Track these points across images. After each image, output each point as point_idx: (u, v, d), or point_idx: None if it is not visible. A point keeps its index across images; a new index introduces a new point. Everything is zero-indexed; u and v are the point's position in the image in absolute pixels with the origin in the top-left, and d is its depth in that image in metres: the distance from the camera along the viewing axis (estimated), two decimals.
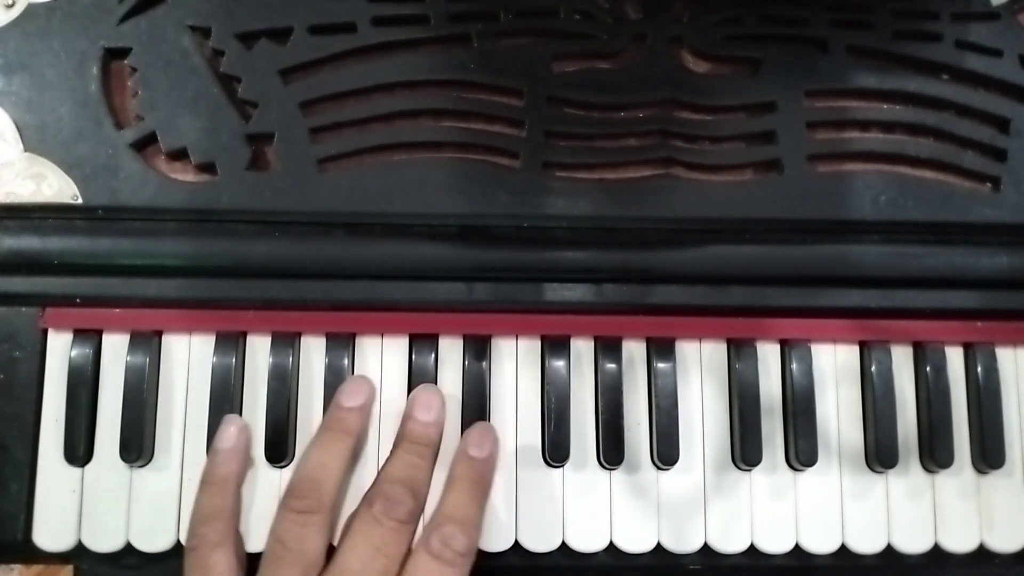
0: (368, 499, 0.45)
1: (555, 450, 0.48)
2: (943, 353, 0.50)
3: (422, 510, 0.46)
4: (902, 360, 0.51)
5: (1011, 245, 0.50)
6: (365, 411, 0.47)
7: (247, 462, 0.48)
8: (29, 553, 0.48)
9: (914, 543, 0.49)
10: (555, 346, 0.50)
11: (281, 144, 0.49)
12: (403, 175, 0.49)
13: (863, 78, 0.51)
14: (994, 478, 0.50)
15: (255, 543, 0.47)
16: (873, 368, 0.50)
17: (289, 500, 0.45)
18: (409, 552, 0.44)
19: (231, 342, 0.49)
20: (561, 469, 0.49)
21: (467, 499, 0.46)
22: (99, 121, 0.49)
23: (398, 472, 0.46)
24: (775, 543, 0.49)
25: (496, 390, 0.50)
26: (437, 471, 0.48)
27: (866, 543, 0.49)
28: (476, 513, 0.46)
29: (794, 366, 0.50)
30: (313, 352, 0.50)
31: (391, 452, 0.47)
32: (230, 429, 0.47)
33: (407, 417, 0.48)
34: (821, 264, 0.50)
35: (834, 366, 0.51)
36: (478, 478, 0.47)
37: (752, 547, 0.49)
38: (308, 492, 0.44)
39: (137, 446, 0.47)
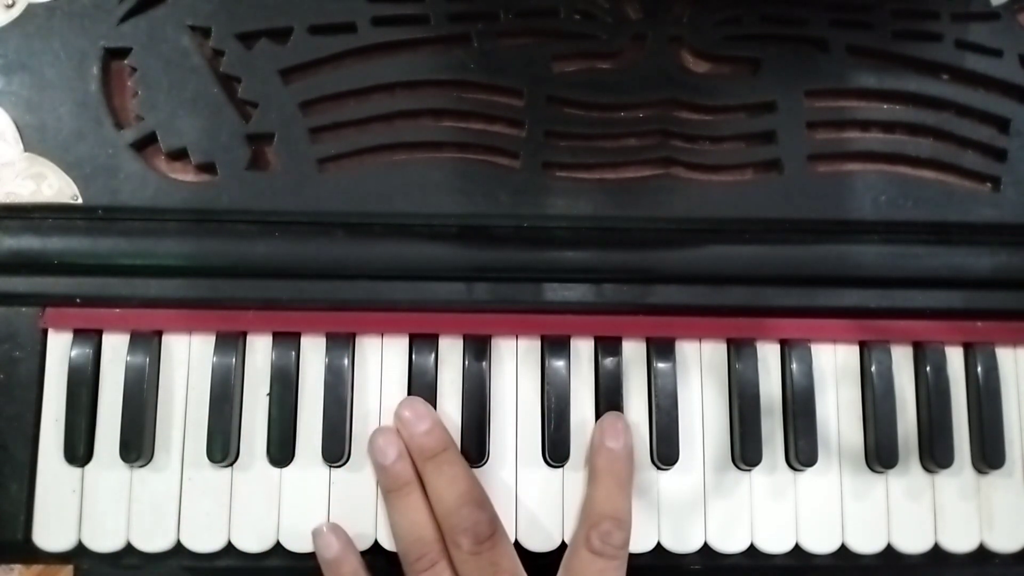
0: (452, 542, 0.45)
1: (555, 450, 0.48)
2: (943, 353, 0.50)
3: (492, 507, 0.47)
4: (902, 360, 0.51)
5: (1011, 245, 0.50)
6: (406, 456, 0.47)
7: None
8: (29, 553, 0.48)
9: (914, 543, 0.49)
10: (555, 346, 0.50)
11: (281, 144, 0.49)
12: (403, 175, 0.49)
13: (863, 78, 0.51)
14: (994, 478, 0.50)
15: (256, 544, 0.48)
16: (873, 368, 0.50)
17: (412, 565, 0.45)
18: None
19: (231, 342, 0.49)
20: (561, 469, 0.49)
21: (615, 492, 0.47)
22: (99, 121, 0.49)
23: (448, 496, 0.46)
24: (775, 543, 0.49)
25: (496, 390, 0.50)
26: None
27: (866, 543, 0.49)
28: (626, 504, 0.47)
29: (794, 366, 0.50)
30: (313, 352, 0.50)
31: (423, 479, 0.47)
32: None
33: (408, 438, 0.47)
34: (821, 264, 0.50)
35: (834, 366, 0.51)
36: (620, 469, 0.47)
37: (752, 547, 0.49)
38: (422, 550, 0.45)
39: (137, 446, 0.47)
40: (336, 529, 0.47)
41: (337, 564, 0.46)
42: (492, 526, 0.45)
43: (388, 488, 0.47)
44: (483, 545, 0.45)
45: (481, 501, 0.46)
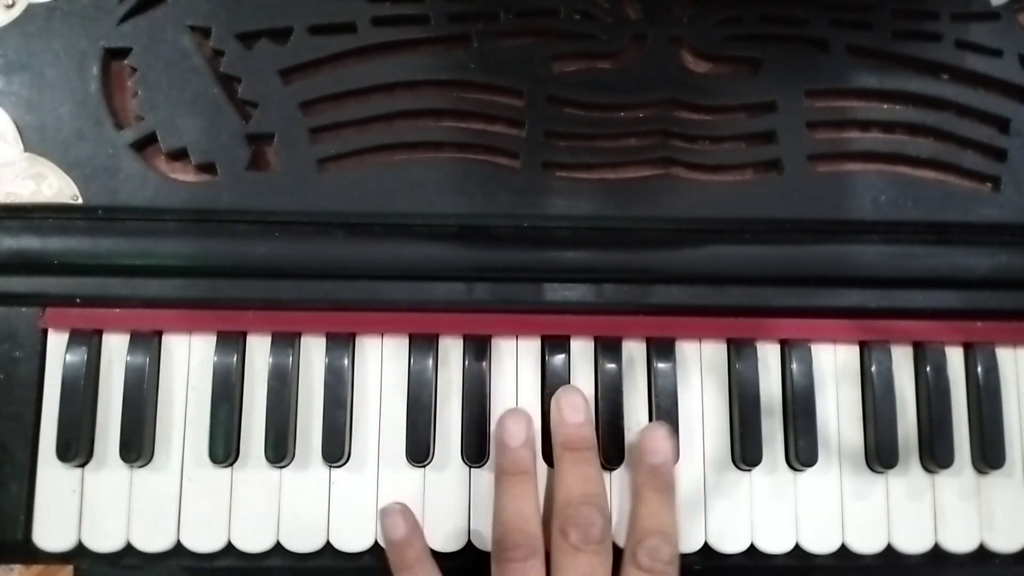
0: (560, 530, 0.45)
1: None
2: (943, 353, 0.50)
3: (611, 522, 0.47)
4: (902, 360, 0.51)
5: (1011, 245, 0.50)
6: (531, 444, 0.47)
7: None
8: (29, 553, 0.48)
9: (914, 543, 0.49)
10: (555, 346, 0.50)
11: (281, 144, 0.49)
12: (403, 175, 0.49)
13: (863, 78, 0.51)
14: (994, 478, 0.50)
15: (256, 544, 0.48)
16: (873, 368, 0.50)
17: (504, 553, 0.45)
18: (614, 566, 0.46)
19: (231, 342, 0.49)
20: None
21: (658, 507, 0.46)
22: (99, 121, 0.49)
23: (576, 490, 0.46)
24: (775, 543, 0.49)
25: (496, 390, 0.50)
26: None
27: (866, 543, 0.49)
28: (671, 519, 0.46)
29: (794, 366, 0.50)
30: (313, 352, 0.50)
31: (557, 466, 0.47)
32: None
33: (559, 423, 0.47)
34: (821, 264, 0.50)
35: (834, 366, 0.51)
36: (663, 484, 0.47)
37: (752, 547, 0.49)
38: (519, 541, 0.45)
39: (137, 446, 0.47)
40: (405, 511, 0.47)
41: (402, 547, 0.46)
42: (604, 534, 0.45)
43: (504, 470, 0.47)
44: (589, 546, 0.44)
45: (604, 509, 0.46)
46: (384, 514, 0.47)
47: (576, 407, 0.47)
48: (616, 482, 0.49)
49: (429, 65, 0.50)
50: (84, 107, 0.49)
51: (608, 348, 0.50)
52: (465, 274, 0.49)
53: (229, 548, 0.48)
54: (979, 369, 0.50)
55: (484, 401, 0.49)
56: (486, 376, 0.49)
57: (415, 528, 0.47)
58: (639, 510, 0.47)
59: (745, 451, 0.49)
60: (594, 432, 0.48)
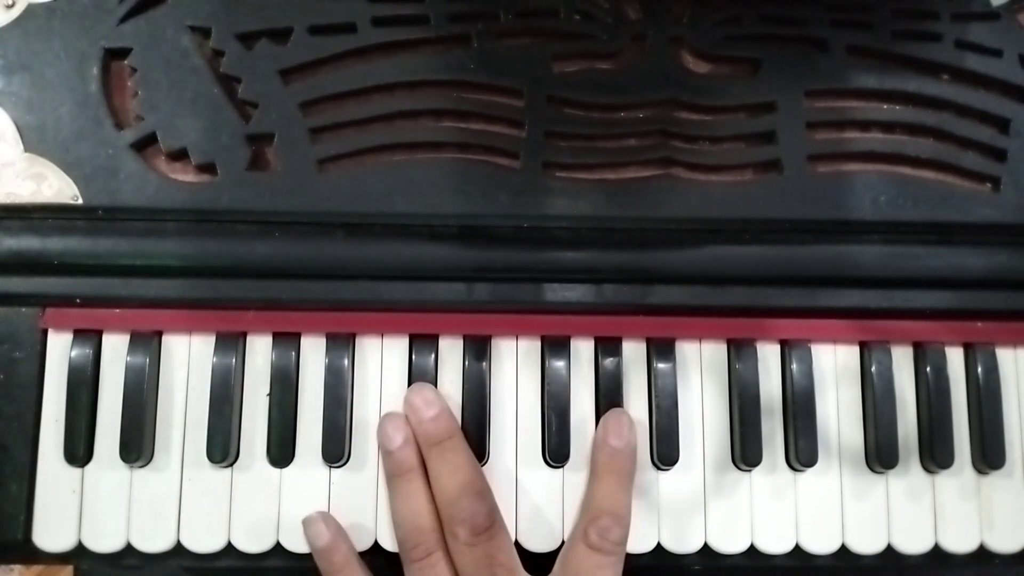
0: (450, 532, 0.45)
1: (555, 450, 0.48)
2: (943, 353, 0.50)
3: (493, 499, 0.47)
4: (902, 360, 0.51)
5: (1011, 245, 0.50)
6: (412, 443, 0.47)
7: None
8: (29, 553, 0.48)
9: (914, 543, 0.49)
10: (555, 346, 0.50)
11: (281, 144, 0.49)
12: (403, 175, 0.49)
13: (863, 78, 0.51)
14: (994, 478, 0.50)
15: (256, 544, 0.48)
16: (873, 368, 0.50)
17: (408, 553, 0.46)
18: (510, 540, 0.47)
19: (231, 342, 0.49)
20: (561, 469, 0.49)
21: (615, 489, 0.47)
22: (99, 121, 0.49)
23: (450, 484, 0.46)
24: (775, 543, 0.49)
25: (496, 390, 0.50)
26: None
27: (866, 543, 0.49)
28: (626, 502, 0.47)
29: (794, 366, 0.50)
30: (313, 352, 0.50)
31: (427, 465, 0.47)
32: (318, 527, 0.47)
33: (416, 424, 0.48)
34: (821, 264, 0.50)
35: (834, 366, 0.51)
36: (622, 467, 0.47)
37: (752, 547, 0.49)
38: (418, 539, 0.46)
39: (137, 446, 0.47)
40: (327, 517, 0.47)
41: (328, 552, 0.46)
42: (490, 518, 0.45)
43: (391, 473, 0.47)
44: (480, 537, 0.45)
45: (481, 492, 0.46)
46: (306, 524, 0.47)
47: (427, 401, 0.47)
48: None
49: (429, 65, 0.50)
50: (84, 107, 0.49)
51: (608, 348, 0.50)
52: (465, 274, 0.49)
53: (229, 548, 0.48)
54: (979, 369, 0.50)
55: (484, 401, 0.49)
56: (486, 376, 0.49)
57: (339, 533, 0.47)
58: (595, 489, 0.47)
59: (745, 451, 0.49)
60: (453, 417, 0.48)
